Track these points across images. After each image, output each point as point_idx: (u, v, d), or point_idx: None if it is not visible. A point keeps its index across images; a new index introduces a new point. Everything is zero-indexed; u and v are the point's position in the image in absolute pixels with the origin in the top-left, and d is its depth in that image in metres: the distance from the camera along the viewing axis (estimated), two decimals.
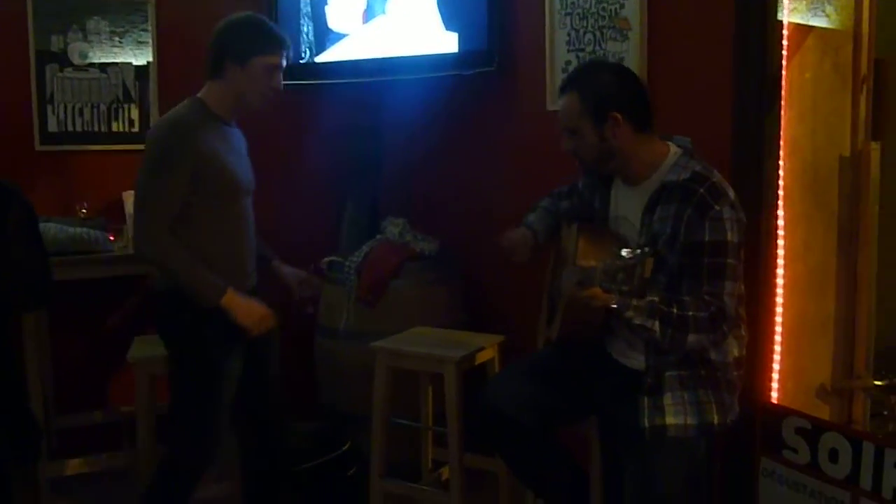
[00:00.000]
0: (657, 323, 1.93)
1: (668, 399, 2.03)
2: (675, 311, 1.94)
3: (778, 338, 2.51)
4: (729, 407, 2.07)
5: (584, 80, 2.13)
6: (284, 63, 2.41)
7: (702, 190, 1.98)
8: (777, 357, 2.52)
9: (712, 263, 1.97)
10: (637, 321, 1.94)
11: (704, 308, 1.95)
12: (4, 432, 2.11)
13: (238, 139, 2.51)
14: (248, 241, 2.49)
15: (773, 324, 2.50)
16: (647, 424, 2.03)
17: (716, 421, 2.04)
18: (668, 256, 2.01)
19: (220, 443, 2.42)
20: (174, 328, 2.42)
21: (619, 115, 2.05)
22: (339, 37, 3.62)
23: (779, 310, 2.50)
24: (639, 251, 1.81)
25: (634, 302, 1.91)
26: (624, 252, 1.79)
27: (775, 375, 2.53)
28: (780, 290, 2.49)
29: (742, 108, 2.46)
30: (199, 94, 2.43)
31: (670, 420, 2.02)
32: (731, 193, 2.01)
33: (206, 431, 2.39)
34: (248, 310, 2.33)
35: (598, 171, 2.19)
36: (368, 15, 3.57)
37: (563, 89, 2.14)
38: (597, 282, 1.84)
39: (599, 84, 2.10)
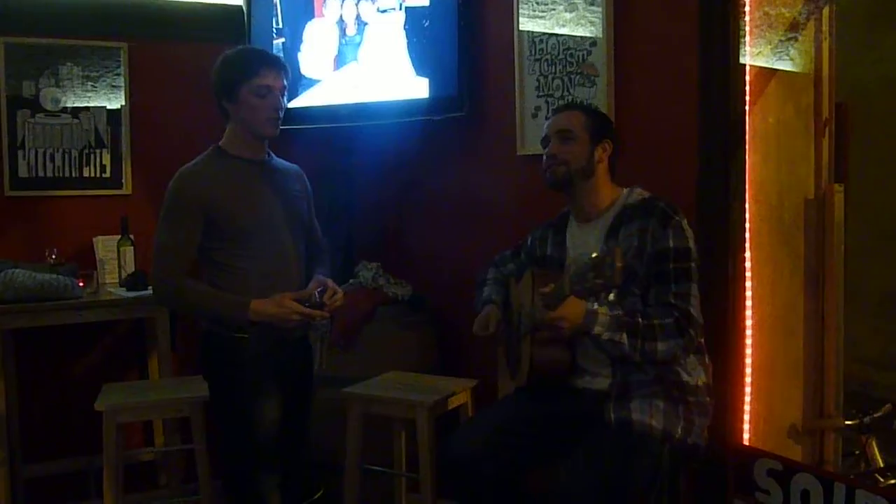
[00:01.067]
0: (625, 335, 2.02)
1: (634, 403, 2.08)
2: (640, 321, 2.03)
3: (748, 379, 2.52)
4: (696, 428, 2.11)
5: (586, 106, 2.41)
6: (282, 82, 2.36)
7: (661, 204, 2.15)
8: (748, 398, 2.52)
9: (678, 268, 2.09)
10: (605, 336, 2.02)
11: (668, 314, 2.04)
12: None
13: (271, 174, 2.45)
14: (281, 276, 2.40)
15: (742, 365, 2.50)
16: (612, 417, 2.07)
17: (678, 434, 2.07)
18: (638, 268, 2.11)
19: (265, 483, 2.38)
20: (210, 371, 2.44)
21: (609, 145, 2.26)
22: (312, 83, 3.66)
23: (748, 351, 2.51)
24: (604, 248, 1.93)
25: (599, 318, 2.00)
26: (590, 255, 1.82)
27: (746, 417, 2.53)
28: (748, 332, 2.51)
29: (707, 151, 2.50)
30: (220, 142, 2.44)
31: (635, 416, 2.06)
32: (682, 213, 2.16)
33: (243, 472, 2.38)
34: (276, 308, 2.29)
35: (567, 185, 2.26)
36: (340, 61, 3.61)
37: (560, 108, 2.37)
38: (567, 290, 1.90)
39: (600, 113, 2.40)
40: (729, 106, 2.47)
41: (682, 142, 2.56)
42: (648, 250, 2.09)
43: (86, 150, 3.62)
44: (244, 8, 3.82)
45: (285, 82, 2.38)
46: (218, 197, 2.32)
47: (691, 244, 2.11)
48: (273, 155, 2.50)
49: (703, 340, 2.18)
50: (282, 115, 2.37)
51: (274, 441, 2.36)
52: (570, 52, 2.92)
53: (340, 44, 3.60)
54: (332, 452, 2.87)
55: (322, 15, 3.63)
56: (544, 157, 2.29)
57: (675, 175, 2.53)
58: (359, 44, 3.55)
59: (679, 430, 2.08)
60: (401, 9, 3.42)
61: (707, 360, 2.20)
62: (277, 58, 2.45)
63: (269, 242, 2.39)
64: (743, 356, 2.50)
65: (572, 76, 2.91)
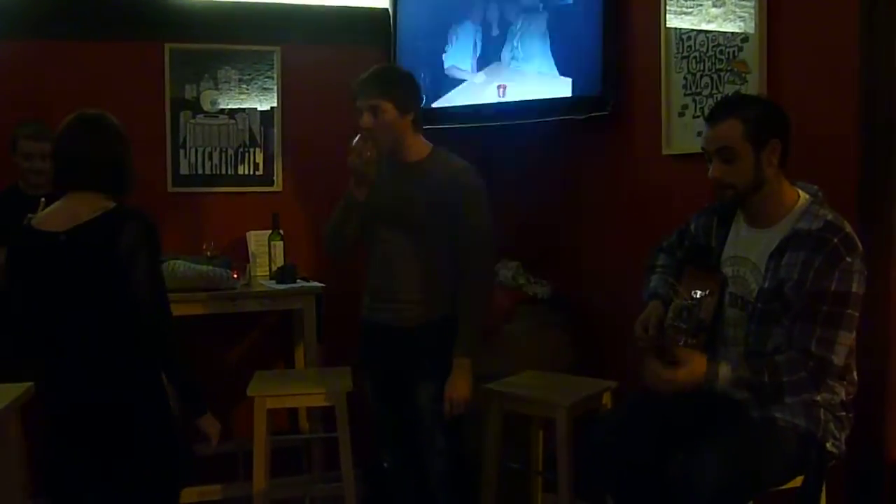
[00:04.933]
0: (747, 394, 1.97)
1: (776, 405, 2.02)
2: (765, 380, 1.94)
3: None
4: (833, 438, 2.04)
5: (741, 107, 2.11)
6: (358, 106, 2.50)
7: (836, 240, 1.96)
8: None
9: (832, 312, 1.95)
10: (728, 392, 1.97)
11: (802, 366, 1.93)
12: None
13: (401, 172, 2.57)
14: (377, 274, 2.57)
15: None
16: (756, 413, 2.01)
17: (819, 434, 2.00)
18: (794, 302, 1.99)
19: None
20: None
21: (777, 143, 2.06)
22: (455, 82, 3.71)
23: None
24: (702, 293, 1.89)
25: (720, 376, 1.94)
26: (696, 293, 1.89)
27: None
28: None
29: (869, 152, 2.38)
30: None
31: (779, 414, 2.00)
32: (860, 246, 1.99)
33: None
34: None
35: (737, 203, 2.15)
36: (483, 61, 3.64)
37: (716, 117, 2.11)
38: (669, 320, 1.92)
39: (759, 109, 2.11)
40: (892, 105, 2.34)
41: (840, 143, 2.44)
42: (808, 287, 1.96)
43: (241, 149, 3.81)
44: (390, 11, 3.91)
45: None
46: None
47: (856, 288, 1.95)
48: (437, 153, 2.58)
49: (851, 361, 2.07)
50: None
51: None
52: (719, 48, 2.83)
53: (483, 43, 3.64)
54: (470, 448, 2.91)
55: (466, 15, 3.68)
56: (709, 175, 2.13)
57: (833, 176, 2.40)
58: (502, 44, 3.57)
59: (821, 431, 2.02)
60: (544, 8, 3.42)
61: (854, 376, 2.09)
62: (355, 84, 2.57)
63: (382, 235, 2.55)
64: None
65: (722, 73, 2.83)
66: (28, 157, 3.15)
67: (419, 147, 2.57)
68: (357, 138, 2.48)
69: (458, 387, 2.46)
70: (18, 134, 3.17)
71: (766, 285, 2.05)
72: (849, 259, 1.95)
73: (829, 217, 2.01)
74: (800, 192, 2.12)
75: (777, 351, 2.01)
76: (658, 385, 1.99)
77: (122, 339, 2.14)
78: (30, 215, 2.55)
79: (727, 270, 2.18)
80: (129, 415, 2.14)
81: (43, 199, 2.74)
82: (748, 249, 2.14)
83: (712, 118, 2.13)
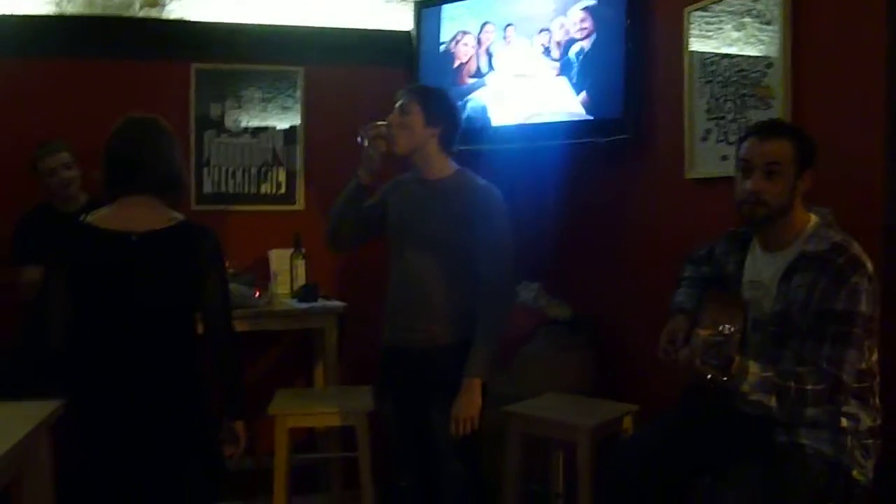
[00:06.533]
0: (774, 398, 1.94)
1: (802, 430, 2.02)
2: (792, 384, 1.93)
3: None
4: (859, 465, 2.02)
5: (792, 129, 2.18)
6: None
7: (840, 260, 1.99)
8: None
9: (839, 331, 1.96)
10: (753, 397, 1.94)
11: (823, 380, 1.94)
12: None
13: (424, 190, 2.59)
14: (398, 294, 2.57)
15: None
16: (782, 439, 2.01)
17: (846, 462, 1.99)
18: (801, 323, 2.01)
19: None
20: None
21: (811, 174, 2.11)
22: (475, 104, 3.73)
23: None
24: (729, 329, 1.91)
25: (749, 377, 1.92)
26: (723, 327, 1.91)
27: None
28: None
29: (894, 183, 2.38)
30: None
31: (805, 441, 2.00)
32: (870, 266, 2.00)
33: None
34: None
35: (761, 225, 2.15)
36: (500, 82, 3.66)
37: (771, 133, 2.13)
38: (699, 352, 1.92)
39: (806, 137, 2.14)
40: None
41: (866, 171, 2.44)
42: (813, 307, 1.98)
43: (263, 168, 3.84)
44: (413, 33, 3.95)
45: None
46: (386, 201, 2.70)
47: (863, 307, 1.95)
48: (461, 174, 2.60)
49: (871, 385, 2.07)
50: None
51: None
52: (744, 73, 2.84)
53: (500, 65, 3.66)
54: (491, 470, 2.91)
55: (487, 37, 3.71)
56: (741, 187, 2.13)
57: (859, 202, 2.40)
58: (515, 66, 3.60)
59: (846, 458, 2.01)
60: (569, 31, 3.45)
61: (876, 402, 2.08)
62: None
63: (407, 257, 2.55)
64: None
65: (746, 98, 2.83)
66: (51, 172, 3.17)
67: (443, 166, 2.58)
68: (367, 124, 2.55)
69: (465, 406, 2.41)
70: (35, 156, 3.18)
71: (776, 308, 2.08)
72: (854, 279, 1.96)
73: (836, 238, 2.04)
74: (812, 215, 2.15)
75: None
76: (690, 373, 1.99)
77: (175, 351, 2.17)
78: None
79: (746, 295, 2.20)
80: (175, 425, 2.15)
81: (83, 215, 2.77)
82: (763, 274, 2.17)
83: (765, 133, 2.14)
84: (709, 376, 1.93)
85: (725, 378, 1.93)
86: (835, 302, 1.96)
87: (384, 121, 2.54)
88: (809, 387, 1.93)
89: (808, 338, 1.99)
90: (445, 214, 2.51)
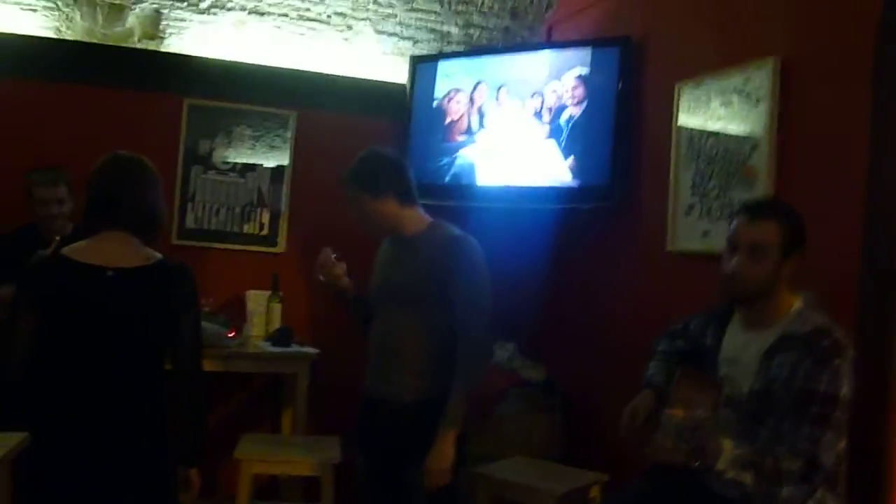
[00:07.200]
0: (750, 475, 1.92)
1: None
2: (768, 459, 1.93)
3: None
4: None
5: (783, 212, 2.14)
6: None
7: (825, 343, 1.99)
8: None
9: (820, 413, 1.95)
10: (729, 475, 1.92)
11: (798, 459, 1.93)
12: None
13: (400, 247, 2.59)
14: (376, 348, 2.56)
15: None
16: None
17: None
18: (781, 401, 2.00)
19: None
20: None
21: (799, 257, 2.10)
22: (458, 161, 3.77)
23: None
24: (703, 415, 1.92)
25: (726, 453, 1.91)
26: (697, 413, 1.91)
27: None
28: None
29: (874, 267, 2.41)
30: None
31: None
32: (851, 351, 2.01)
33: None
34: None
35: (743, 304, 2.16)
36: (484, 141, 3.71)
37: (759, 215, 2.12)
38: (672, 434, 1.91)
39: (796, 221, 2.13)
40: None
41: (846, 254, 2.47)
42: (797, 385, 1.98)
43: (247, 208, 3.84)
44: (407, 86, 3.99)
45: None
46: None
47: (844, 392, 1.95)
48: (435, 226, 2.59)
49: (837, 470, 2.05)
50: None
51: None
52: (729, 153, 2.89)
53: (490, 124, 3.71)
54: None
55: (480, 96, 3.76)
56: (725, 264, 2.13)
57: (837, 287, 2.43)
58: (505, 127, 3.65)
59: None
60: (561, 97, 3.50)
61: (839, 488, 2.05)
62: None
63: (383, 311, 2.57)
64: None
65: (731, 177, 2.87)
66: (44, 203, 3.16)
67: (415, 220, 2.58)
68: (322, 254, 2.58)
69: (435, 458, 2.37)
70: (33, 180, 3.18)
71: (755, 387, 2.07)
72: (837, 360, 1.96)
73: (820, 322, 2.04)
74: (797, 298, 2.14)
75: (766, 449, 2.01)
76: (660, 456, 1.98)
77: (149, 382, 2.15)
78: (40, 252, 2.55)
79: (722, 372, 2.19)
80: (140, 456, 2.11)
81: (57, 238, 2.74)
82: (741, 351, 2.16)
83: (754, 214, 2.13)
84: (681, 460, 1.93)
85: (697, 463, 1.92)
86: (818, 383, 1.96)
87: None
88: (785, 465, 1.92)
89: (787, 416, 1.98)
90: (417, 267, 2.51)
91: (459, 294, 2.45)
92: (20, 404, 2.08)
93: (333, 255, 2.56)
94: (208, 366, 3.24)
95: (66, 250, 2.15)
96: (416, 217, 2.58)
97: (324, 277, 2.55)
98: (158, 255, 2.20)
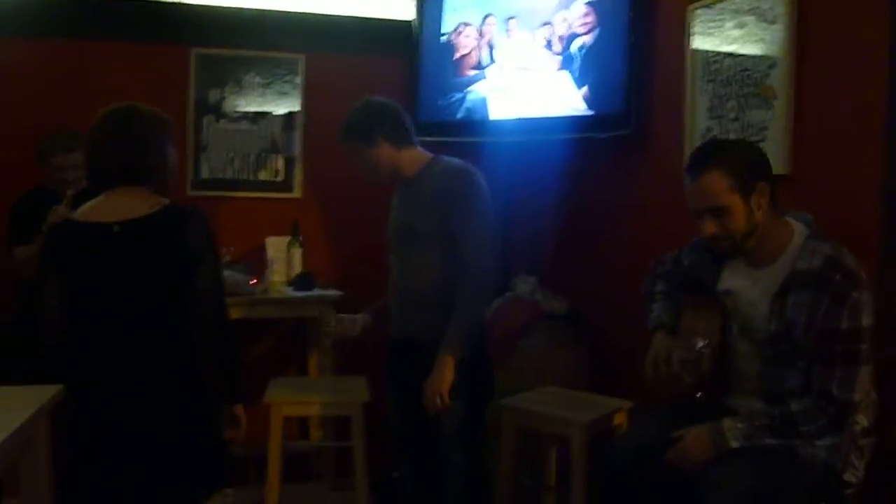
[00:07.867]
0: (766, 438, 1.99)
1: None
2: (780, 425, 1.98)
3: None
4: (852, 467, 2.04)
5: (719, 156, 2.06)
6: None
7: (838, 277, 1.94)
8: None
9: (848, 350, 1.94)
10: (748, 444, 1.99)
11: (821, 414, 1.95)
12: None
13: (405, 189, 2.64)
14: (396, 291, 2.65)
15: None
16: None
17: (839, 465, 2.00)
18: (804, 343, 1.99)
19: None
20: None
21: (765, 185, 2.03)
22: (474, 95, 3.72)
23: None
24: (702, 344, 1.98)
25: (728, 434, 1.99)
26: (697, 343, 2.00)
27: None
28: None
29: (892, 190, 2.38)
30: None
31: (798, 443, 2.00)
32: (863, 275, 1.97)
33: None
34: None
35: (738, 253, 2.13)
36: (499, 74, 3.66)
37: (698, 169, 2.06)
38: (675, 366, 2.01)
39: (739, 155, 2.07)
40: None
41: (866, 173, 2.43)
42: (818, 327, 1.96)
43: (262, 155, 3.83)
44: (414, 23, 3.93)
45: None
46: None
47: (865, 321, 1.93)
48: (434, 162, 2.61)
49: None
50: None
51: None
52: (746, 72, 2.84)
53: (501, 57, 3.65)
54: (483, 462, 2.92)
55: (489, 29, 3.70)
56: (700, 231, 2.10)
57: (857, 209, 2.40)
58: (516, 59, 3.59)
59: (839, 464, 2.02)
60: (571, 25, 3.44)
61: (874, 395, 2.08)
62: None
63: (398, 252, 2.64)
64: None
65: (748, 98, 2.83)
66: (59, 169, 3.10)
67: (413, 160, 2.60)
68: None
69: (432, 381, 2.42)
70: (48, 147, 3.12)
71: (774, 328, 2.04)
72: (855, 294, 1.93)
73: (828, 251, 1.99)
74: (793, 224, 2.09)
75: (793, 393, 2.02)
76: (663, 392, 2.02)
77: (172, 338, 2.13)
78: (55, 207, 2.56)
79: (729, 305, 2.19)
80: (175, 411, 2.13)
81: (70, 192, 2.74)
82: (749, 289, 2.13)
83: (693, 171, 2.08)
84: (686, 393, 1.97)
85: (699, 395, 1.94)
86: (839, 321, 1.93)
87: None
88: (803, 429, 1.96)
89: (815, 361, 1.97)
90: (421, 204, 2.53)
91: (461, 222, 2.47)
92: (57, 366, 2.12)
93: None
94: (232, 313, 3.31)
95: (76, 213, 2.16)
96: (415, 157, 2.59)
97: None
98: (166, 201, 2.16)
